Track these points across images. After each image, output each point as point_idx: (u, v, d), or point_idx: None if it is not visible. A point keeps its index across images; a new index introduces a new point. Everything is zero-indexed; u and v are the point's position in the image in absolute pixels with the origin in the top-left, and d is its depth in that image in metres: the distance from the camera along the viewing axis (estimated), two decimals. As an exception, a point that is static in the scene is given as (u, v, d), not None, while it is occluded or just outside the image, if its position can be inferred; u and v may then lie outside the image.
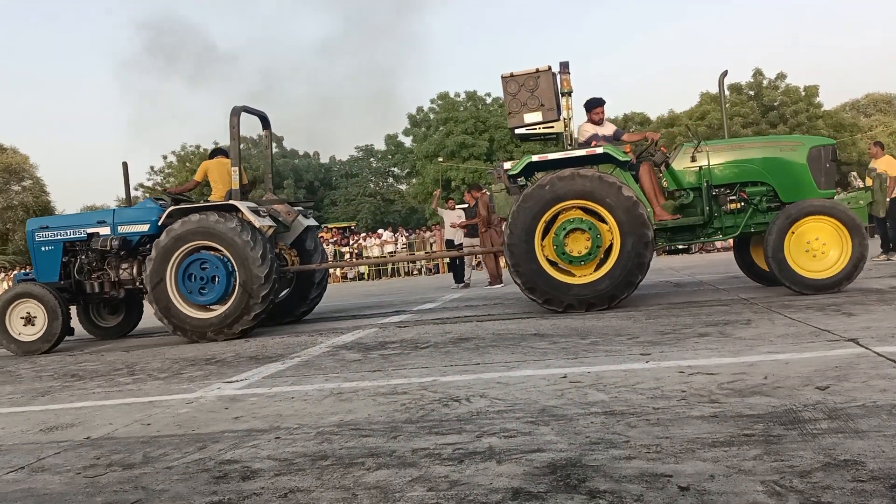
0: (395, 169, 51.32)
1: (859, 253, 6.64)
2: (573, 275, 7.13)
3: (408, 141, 47.59)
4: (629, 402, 3.06)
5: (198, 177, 9.00)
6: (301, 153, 47.72)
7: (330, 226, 38.24)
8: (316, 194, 46.04)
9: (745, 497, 1.92)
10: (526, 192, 7.19)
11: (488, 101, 45.21)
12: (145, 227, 8.42)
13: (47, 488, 2.62)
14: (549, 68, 7.59)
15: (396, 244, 30.87)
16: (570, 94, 7.55)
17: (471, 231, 13.82)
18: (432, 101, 45.95)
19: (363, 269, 29.89)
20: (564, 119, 7.59)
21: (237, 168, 8.31)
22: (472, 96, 45.14)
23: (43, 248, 8.76)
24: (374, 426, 3.08)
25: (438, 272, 27.82)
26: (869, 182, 8.52)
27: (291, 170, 44.04)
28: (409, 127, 46.80)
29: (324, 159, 49.92)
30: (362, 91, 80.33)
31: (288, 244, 9.01)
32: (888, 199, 10.71)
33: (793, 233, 6.77)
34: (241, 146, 8.27)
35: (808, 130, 39.67)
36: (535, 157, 7.35)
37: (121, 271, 8.55)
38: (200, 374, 5.22)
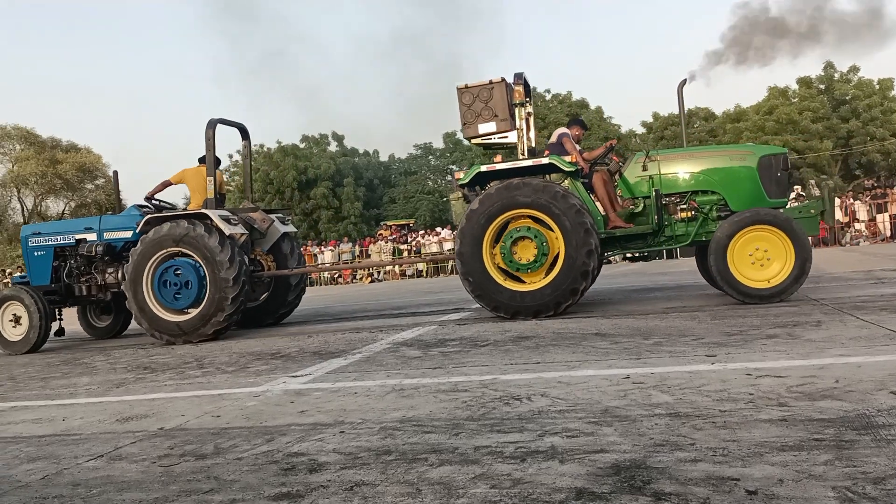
0: (454, 166, 51.40)
1: (802, 262, 6.64)
2: (524, 282, 7.28)
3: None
4: (694, 404, 3.02)
5: (173, 179, 9.32)
6: (361, 151, 48.26)
7: (389, 223, 38.60)
8: (375, 192, 46.53)
9: (815, 502, 1.88)
10: (474, 202, 7.38)
11: (547, 97, 44.92)
12: (128, 234, 8.88)
13: (125, 476, 2.74)
14: (503, 80, 7.78)
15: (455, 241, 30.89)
16: (522, 104, 7.67)
17: None
18: (491, 99, 45.88)
19: (421, 266, 30.09)
20: (518, 129, 7.70)
21: (212, 178, 8.67)
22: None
23: (35, 253, 9.31)
24: (435, 423, 3.12)
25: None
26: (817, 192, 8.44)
27: (351, 168, 44.59)
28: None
29: (383, 157, 50.39)
30: (424, 89, 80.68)
31: (265, 250, 9.38)
32: None
33: (736, 242, 6.78)
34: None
35: (883, 125, 38.17)
36: (483, 168, 7.57)
37: (107, 275, 9.05)
38: (266, 368, 5.36)
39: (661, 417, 2.86)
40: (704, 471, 2.19)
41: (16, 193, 45.12)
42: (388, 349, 5.79)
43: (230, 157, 44.95)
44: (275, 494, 2.35)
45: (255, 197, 40.68)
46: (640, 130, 46.89)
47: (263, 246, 9.37)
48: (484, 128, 7.83)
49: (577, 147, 8.20)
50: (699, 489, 2.04)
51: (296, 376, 4.80)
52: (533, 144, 8.21)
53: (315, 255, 29.57)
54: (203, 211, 8.35)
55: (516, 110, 7.70)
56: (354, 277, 28.81)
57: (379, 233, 35.58)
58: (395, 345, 6.02)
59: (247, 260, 8.55)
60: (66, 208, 44.32)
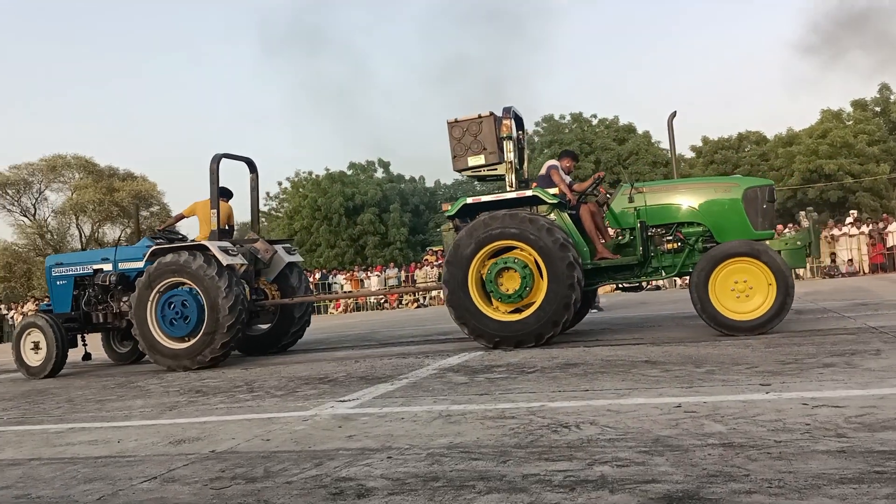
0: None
1: (784, 295, 6.57)
2: (515, 311, 7.38)
3: (512, 164, 47.61)
4: (749, 434, 2.94)
5: (185, 212, 9.70)
6: (407, 178, 48.66)
7: (435, 249, 38.68)
8: (421, 217, 46.77)
9: (879, 539, 1.81)
10: (461, 233, 7.55)
11: (594, 122, 44.74)
12: (140, 264, 9.11)
13: (178, 498, 2.79)
14: (491, 114, 7.92)
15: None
16: (509, 138, 7.77)
17: None
18: (537, 124, 45.94)
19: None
20: (507, 162, 7.81)
21: (216, 210, 8.98)
22: (577, 118, 44.83)
23: (58, 283, 9.78)
24: (483, 450, 3.10)
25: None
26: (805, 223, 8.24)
27: (397, 194, 44.98)
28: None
29: (429, 183, 50.73)
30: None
31: (270, 280, 9.60)
32: None
33: (717, 274, 6.76)
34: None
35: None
36: (469, 199, 7.76)
37: (121, 303, 9.37)
38: (314, 392, 5.41)
39: (714, 447, 2.80)
40: (760, 503, 2.13)
41: (74, 220, 46.63)
42: (434, 375, 5.79)
43: (279, 184, 45.74)
44: (324, 519, 2.37)
45: (303, 223, 41.32)
46: (690, 155, 46.34)
47: (268, 276, 9.64)
48: (473, 160, 8.01)
49: (568, 178, 8.32)
50: (755, 522, 1.99)
51: (343, 401, 4.83)
52: (526, 176, 8.47)
53: (361, 280, 29.82)
54: (202, 242, 8.68)
55: (504, 143, 7.85)
56: (400, 302, 28.94)
57: (425, 258, 35.74)
58: (441, 370, 6.02)
59: (247, 289, 8.86)
60: (122, 235, 45.58)
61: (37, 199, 46.75)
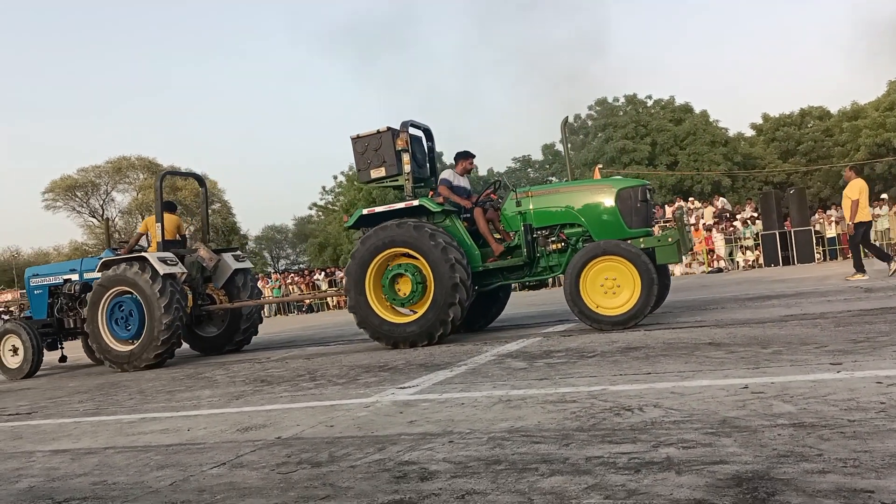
0: (554, 178, 51.04)
1: (647, 291, 6.95)
2: (411, 313, 7.95)
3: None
4: (820, 414, 2.85)
5: (141, 229, 10.71)
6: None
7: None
8: (476, 206, 46.79)
9: (964, 519, 1.74)
10: (358, 242, 8.19)
11: (649, 103, 43.90)
12: (100, 274, 9.77)
13: (246, 483, 2.86)
14: (388, 129, 8.40)
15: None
16: (405, 150, 8.25)
17: None
18: (590, 108, 45.34)
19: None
20: (405, 174, 8.29)
21: (160, 223, 9.89)
22: (631, 100, 44.07)
23: (35, 292, 10.80)
24: (544, 433, 3.09)
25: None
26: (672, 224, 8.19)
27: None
28: (567, 135, 46.33)
29: (482, 171, 50.63)
30: (524, 100, 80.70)
31: (218, 286, 10.44)
32: (851, 223, 11.78)
33: (588, 272, 7.17)
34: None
35: None
36: (364, 211, 8.34)
37: (86, 311, 9.85)
38: (375, 380, 5.47)
39: (784, 428, 2.72)
40: (834, 482, 2.06)
41: (140, 220, 48.22)
42: (493, 361, 5.78)
43: (335, 178, 46.20)
44: (388, 501, 2.39)
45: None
46: (750, 133, 45.07)
47: (217, 282, 10.45)
48: (375, 173, 8.48)
49: (466, 179, 8.71)
50: (829, 501, 1.93)
51: (404, 388, 4.87)
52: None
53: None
54: (143, 254, 9.45)
55: (402, 156, 8.28)
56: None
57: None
58: (499, 357, 6.01)
59: (190, 295, 9.80)
60: (186, 232, 46.92)
61: (104, 200, 48.39)
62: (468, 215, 8.29)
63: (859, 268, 11.44)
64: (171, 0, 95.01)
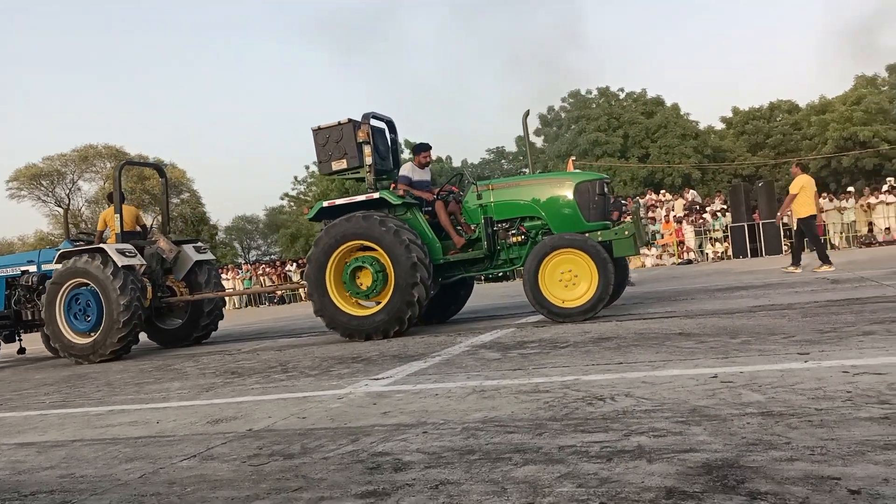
0: (527, 170, 51.22)
1: (605, 282, 7.04)
2: (377, 304, 7.96)
3: (539, 141, 47.30)
4: (788, 403, 2.90)
5: (100, 226, 10.57)
6: (433, 158, 48.67)
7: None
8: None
9: (927, 504, 1.77)
10: (319, 234, 8.16)
11: (621, 96, 44.15)
12: (59, 265, 9.68)
13: (217, 475, 2.83)
14: (350, 120, 8.38)
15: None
16: (366, 143, 8.22)
17: None
18: (563, 100, 45.48)
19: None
20: (366, 165, 8.28)
21: (118, 214, 9.93)
22: (604, 92, 44.29)
23: None
24: (518, 423, 3.10)
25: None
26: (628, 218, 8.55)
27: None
28: (539, 127, 46.52)
29: (456, 162, 50.58)
30: (497, 90, 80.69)
31: (178, 277, 10.36)
32: (797, 218, 12.44)
33: (546, 265, 7.25)
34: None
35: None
36: (325, 203, 8.29)
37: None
38: (348, 371, 5.44)
39: (753, 416, 2.76)
40: (802, 470, 2.10)
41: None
42: (466, 352, 5.79)
43: (307, 167, 45.83)
44: (361, 492, 2.38)
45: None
46: (720, 126, 45.57)
47: (177, 274, 10.36)
48: (336, 165, 8.48)
49: (427, 172, 8.74)
50: (797, 489, 1.96)
51: (377, 379, 4.86)
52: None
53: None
54: (101, 245, 9.42)
55: (363, 148, 8.25)
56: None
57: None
58: (473, 347, 6.03)
59: (149, 287, 9.72)
60: (154, 222, 46.26)
61: (70, 190, 47.51)
62: (430, 208, 8.30)
63: (824, 259, 11.71)
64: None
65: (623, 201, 24.78)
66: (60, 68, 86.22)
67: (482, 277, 10.11)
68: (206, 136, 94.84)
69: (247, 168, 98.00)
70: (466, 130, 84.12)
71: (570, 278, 7.25)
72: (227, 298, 30.06)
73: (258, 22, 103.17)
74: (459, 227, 8.21)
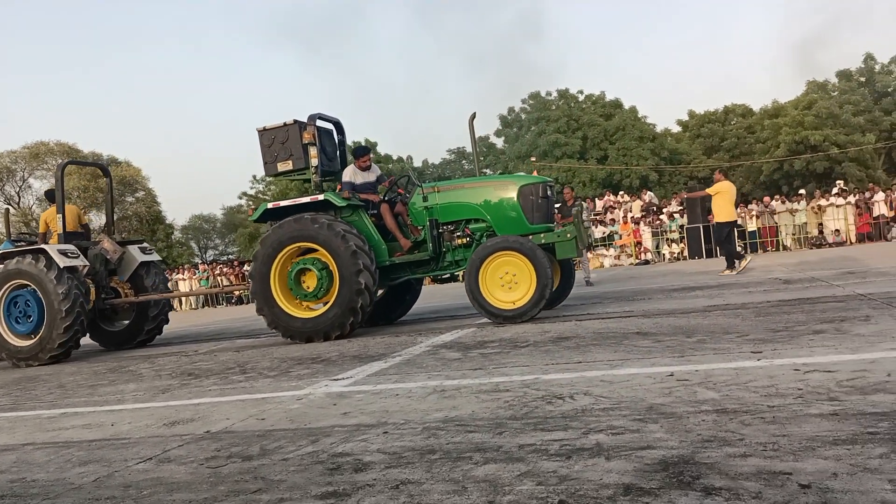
0: (488, 171, 51.46)
1: (541, 285, 7.11)
2: (321, 307, 7.94)
3: (499, 142, 47.54)
4: (742, 401, 2.96)
5: (41, 227, 10.31)
6: (395, 157, 48.46)
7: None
8: (410, 198, 46.76)
9: (872, 495, 1.83)
10: (263, 236, 8.12)
11: (580, 98, 44.59)
12: None
13: (174, 478, 2.78)
14: (295, 121, 8.34)
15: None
16: (312, 144, 8.24)
17: None
18: (523, 101, 45.77)
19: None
20: (311, 167, 8.29)
21: (62, 214, 9.71)
22: (563, 94, 44.66)
23: None
24: (478, 422, 3.11)
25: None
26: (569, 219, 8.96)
27: (385, 175, 44.95)
28: (500, 128, 46.74)
29: (417, 163, 50.59)
30: (458, 90, 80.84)
31: (123, 279, 10.24)
32: (714, 222, 13.09)
33: (488, 266, 7.33)
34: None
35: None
36: (269, 205, 8.22)
37: None
38: (308, 372, 5.40)
39: (707, 414, 2.82)
40: (755, 465, 2.15)
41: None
42: (427, 352, 5.79)
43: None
44: (321, 493, 2.37)
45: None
46: (676, 129, 46.34)
47: (122, 275, 10.23)
48: (282, 166, 8.46)
49: (372, 175, 8.71)
50: (750, 483, 2.01)
51: (337, 379, 4.83)
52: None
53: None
54: (42, 246, 9.26)
55: (308, 149, 8.27)
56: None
57: (414, 238, 35.69)
58: (434, 347, 6.03)
59: (93, 289, 9.54)
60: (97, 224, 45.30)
61: (20, 188, 46.23)
62: (376, 211, 8.31)
63: (731, 265, 12.32)
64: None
65: (583, 202, 25.06)
66: (13, 64, 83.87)
67: (430, 279, 10.15)
68: (162, 133, 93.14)
69: (204, 166, 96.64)
70: (428, 131, 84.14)
71: (510, 280, 7.34)
72: (183, 298, 29.73)
73: (218, 19, 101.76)
74: (406, 229, 8.24)
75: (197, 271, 32.23)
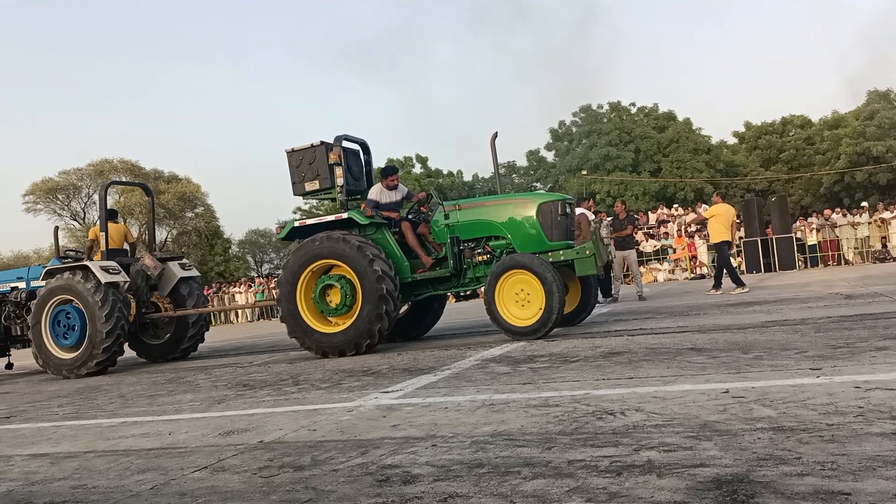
0: (538, 184, 51.21)
1: (550, 302, 7.18)
2: (342, 323, 8.06)
3: (550, 156, 47.32)
4: (799, 418, 2.88)
5: (88, 241, 10.77)
6: (445, 172, 48.68)
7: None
8: (461, 212, 46.85)
9: (938, 520, 1.76)
10: (291, 252, 8.39)
11: (633, 111, 44.15)
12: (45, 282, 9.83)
13: (228, 486, 2.84)
14: (322, 143, 8.57)
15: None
16: (337, 164, 8.46)
17: (621, 243, 13.44)
18: (574, 115, 45.54)
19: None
20: (337, 186, 8.51)
21: (104, 233, 10.13)
22: (615, 107, 44.31)
23: None
24: (527, 437, 3.10)
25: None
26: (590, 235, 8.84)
27: (436, 189, 45.16)
28: (550, 141, 46.56)
29: (467, 177, 50.70)
30: (508, 106, 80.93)
31: (163, 294, 10.55)
32: (711, 243, 13.26)
33: (504, 283, 7.48)
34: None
35: None
36: (296, 223, 8.55)
37: None
38: (358, 384, 5.46)
39: (763, 431, 2.75)
40: (812, 485, 2.09)
41: (123, 223, 47.76)
42: (476, 365, 5.79)
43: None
44: (371, 505, 2.39)
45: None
46: (732, 141, 45.48)
47: (162, 290, 10.57)
48: (309, 186, 8.68)
49: (397, 193, 8.80)
50: (807, 503, 1.95)
51: (387, 392, 4.87)
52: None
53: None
54: (85, 262, 9.59)
55: (334, 169, 8.49)
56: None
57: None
58: (483, 361, 6.02)
59: (133, 303, 9.84)
60: (168, 236, 46.52)
61: (86, 203, 47.89)
62: (398, 229, 8.45)
63: (737, 282, 12.35)
64: (164, 1, 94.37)
65: (635, 216, 24.76)
66: (78, 82, 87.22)
67: (453, 297, 10.20)
68: (223, 149, 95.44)
69: (261, 182, 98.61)
70: (476, 145, 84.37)
71: (524, 298, 7.45)
72: (239, 311, 30.32)
73: (280, 40, 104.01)
74: (428, 247, 8.34)
75: (252, 284, 32.87)
